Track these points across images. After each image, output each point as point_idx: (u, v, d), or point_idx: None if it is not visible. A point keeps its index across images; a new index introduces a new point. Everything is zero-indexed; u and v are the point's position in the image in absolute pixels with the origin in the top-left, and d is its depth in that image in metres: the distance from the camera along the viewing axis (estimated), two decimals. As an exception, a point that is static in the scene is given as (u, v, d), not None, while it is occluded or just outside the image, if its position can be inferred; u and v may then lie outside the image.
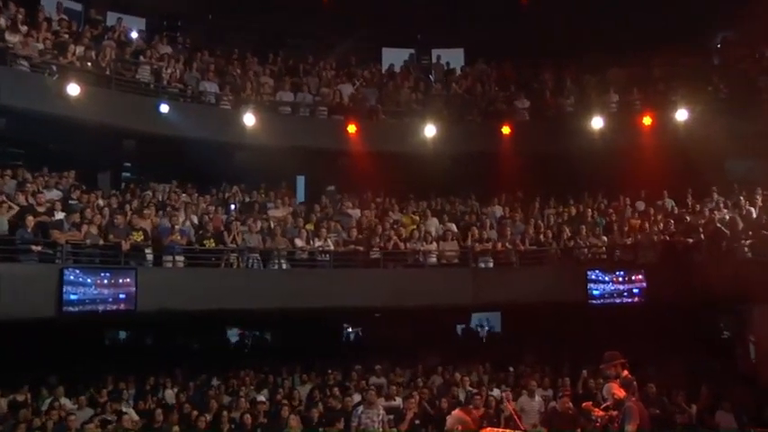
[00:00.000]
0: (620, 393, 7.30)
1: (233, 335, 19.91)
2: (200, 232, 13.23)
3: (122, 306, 11.31)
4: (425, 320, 16.22)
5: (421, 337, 16.28)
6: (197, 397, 12.30)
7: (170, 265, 12.47)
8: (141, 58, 14.88)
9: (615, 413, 7.49)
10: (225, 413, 10.66)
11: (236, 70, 16.67)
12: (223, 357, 15.65)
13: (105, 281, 11.12)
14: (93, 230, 11.67)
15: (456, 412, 5.42)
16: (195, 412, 10.68)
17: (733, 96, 15.26)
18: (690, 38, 16.92)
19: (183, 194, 14.77)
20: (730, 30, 18.06)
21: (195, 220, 13.88)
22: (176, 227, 12.65)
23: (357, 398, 11.61)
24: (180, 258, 12.54)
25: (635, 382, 8.05)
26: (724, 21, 17.31)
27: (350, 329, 20.77)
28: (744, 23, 16.00)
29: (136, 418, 10.66)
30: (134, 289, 11.38)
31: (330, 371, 13.42)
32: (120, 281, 11.25)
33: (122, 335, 19.54)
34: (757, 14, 14.68)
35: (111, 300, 11.18)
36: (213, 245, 12.87)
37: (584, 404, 8.69)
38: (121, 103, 13.89)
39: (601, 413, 7.83)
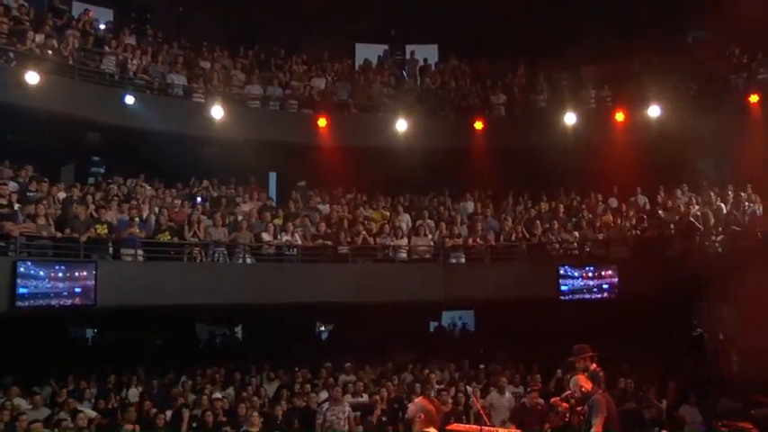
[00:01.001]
0: (588, 386, 7.18)
1: (203, 333, 19.53)
2: (157, 226, 12.88)
3: (79, 301, 10.92)
4: (397, 318, 16.00)
5: (393, 334, 16.07)
6: (161, 395, 11.99)
7: (130, 258, 12.09)
8: (106, 48, 14.47)
9: (578, 406, 7.38)
10: (185, 411, 10.37)
11: (206, 63, 16.35)
12: (191, 355, 15.34)
13: (60, 274, 10.73)
14: (47, 222, 11.24)
15: (419, 400, 5.15)
16: (154, 410, 10.40)
17: (704, 94, 15.28)
18: (662, 37, 16.94)
19: (148, 187, 14.37)
20: (702, 29, 18.13)
21: (157, 213, 13.51)
22: (135, 219, 12.27)
23: (324, 395, 11.45)
24: (140, 252, 12.16)
25: (602, 374, 7.96)
26: (696, 21, 17.35)
27: (323, 328, 20.55)
28: (715, 23, 16.04)
29: (93, 415, 10.32)
30: (92, 283, 11.00)
31: (299, 369, 13.22)
32: (77, 274, 10.86)
33: (89, 333, 19.11)
34: (728, 14, 14.72)
35: (66, 294, 10.79)
36: (168, 238, 12.50)
37: (552, 399, 8.59)
38: (85, 93, 13.53)
39: (565, 405, 7.73)
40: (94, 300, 11.14)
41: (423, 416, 5.21)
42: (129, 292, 11.85)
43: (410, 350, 14.80)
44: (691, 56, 16.90)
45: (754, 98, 14.47)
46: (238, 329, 19.83)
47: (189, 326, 18.05)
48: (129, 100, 13.86)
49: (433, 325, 19.29)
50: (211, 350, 17.83)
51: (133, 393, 12.11)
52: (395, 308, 14.81)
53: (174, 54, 16.17)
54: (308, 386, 12.06)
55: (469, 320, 20.34)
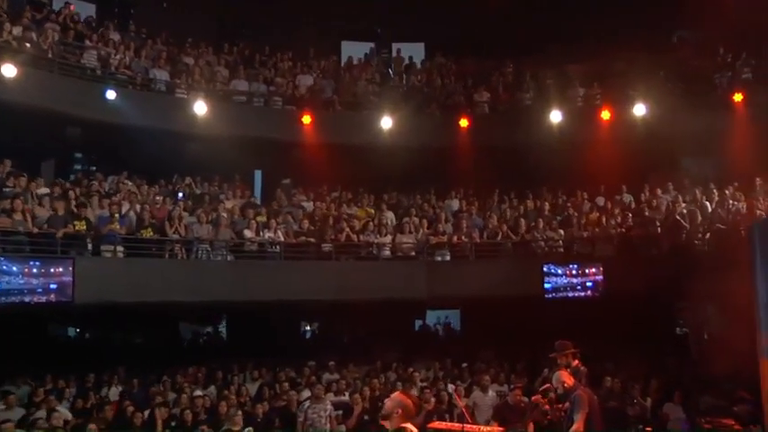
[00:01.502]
0: (570, 381, 7.11)
1: (186, 332, 19.36)
2: (139, 222, 12.69)
3: (55, 297, 10.70)
4: (382, 317, 15.89)
5: (378, 334, 15.97)
6: (140, 395, 11.79)
7: (109, 255, 11.90)
8: (87, 42, 14.26)
9: (560, 402, 7.31)
10: (162, 409, 10.20)
11: (189, 59, 16.17)
12: (174, 354, 15.16)
13: (35, 270, 10.51)
14: (24, 218, 11.03)
15: (396, 395, 5.01)
16: (132, 408, 10.21)
17: (689, 93, 15.28)
18: (648, 36, 16.95)
19: (129, 183, 14.16)
20: (687, 29, 18.19)
21: (140, 209, 13.32)
22: (115, 216, 12.08)
23: (307, 394, 11.32)
24: (120, 248, 11.97)
25: (584, 370, 7.88)
26: (680, 20, 17.40)
27: (308, 327, 20.43)
28: (699, 23, 16.09)
29: (68, 417, 10.12)
30: (69, 279, 10.79)
31: (282, 368, 13.08)
32: (52, 270, 10.65)
33: (72, 332, 18.89)
34: (712, 14, 14.76)
35: (40, 290, 10.57)
36: (151, 234, 12.32)
37: (533, 397, 8.50)
38: (64, 88, 13.32)
39: (548, 406, 7.65)
40: (72, 296, 10.93)
41: (400, 411, 5.07)
42: (109, 289, 11.67)
43: (395, 349, 14.68)
44: (676, 55, 16.92)
45: (738, 97, 14.53)
46: (223, 329, 19.68)
47: (172, 325, 17.88)
48: (111, 95, 13.65)
49: (418, 323, 19.21)
50: (195, 349, 17.67)
51: (113, 393, 11.89)
52: (380, 307, 14.70)
53: (157, 50, 15.98)
54: (287, 385, 11.88)
55: (455, 320, 20.30)
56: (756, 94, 14.45)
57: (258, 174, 18.78)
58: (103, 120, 13.76)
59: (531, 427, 9.50)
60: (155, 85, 14.96)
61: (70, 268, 10.84)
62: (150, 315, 15.34)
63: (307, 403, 10.36)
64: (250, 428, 8.50)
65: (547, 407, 7.57)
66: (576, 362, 7.93)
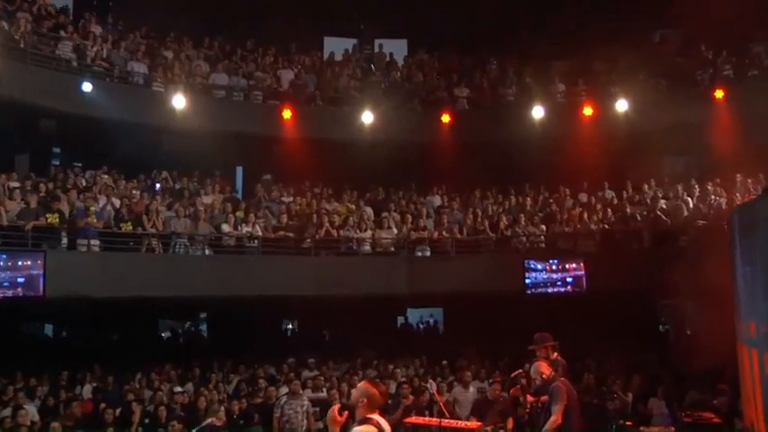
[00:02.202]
0: (548, 372, 6.98)
1: (166, 329, 19.10)
2: (117, 216, 12.45)
3: (22, 291, 10.43)
4: (364, 315, 15.73)
5: (360, 331, 15.80)
6: (115, 392, 11.61)
7: (84, 249, 11.64)
8: (62, 33, 13.98)
9: (539, 394, 7.19)
10: (135, 405, 10.00)
11: (168, 52, 15.93)
12: (152, 352, 14.90)
13: (1, 263, 10.20)
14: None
15: (362, 384, 4.83)
16: (103, 405, 10.01)
17: (671, 90, 15.29)
18: (631, 35, 16.95)
19: (106, 176, 13.88)
20: (669, 27, 18.21)
21: (117, 203, 13.08)
22: (91, 209, 11.82)
23: (285, 390, 11.14)
24: (95, 242, 11.72)
25: (563, 362, 7.77)
26: (662, 19, 17.41)
27: (290, 326, 20.23)
28: (681, 20, 16.12)
29: (36, 418, 9.89)
30: (38, 272, 10.53)
31: (261, 365, 12.90)
32: (20, 263, 10.39)
33: (48, 330, 18.57)
34: (694, 12, 14.79)
35: (7, 284, 10.32)
36: (130, 229, 12.09)
37: (512, 390, 8.37)
38: (38, 79, 13.02)
39: (531, 398, 7.52)
40: (42, 291, 10.66)
41: (366, 400, 4.89)
42: (82, 284, 11.42)
43: (376, 347, 14.52)
44: (658, 52, 16.93)
45: (719, 93, 14.53)
46: (203, 327, 19.45)
47: (150, 322, 17.60)
48: (87, 87, 13.39)
49: (400, 321, 19.09)
50: (174, 347, 17.42)
51: (87, 390, 11.68)
52: (361, 304, 14.56)
53: (136, 42, 15.73)
54: (265, 381, 11.69)
55: (439, 318, 20.20)
56: (737, 90, 14.48)
57: (239, 170, 18.58)
58: (79, 113, 13.53)
59: (510, 422, 9.42)
60: (132, 78, 14.69)
61: (39, 261, 10.56)
62: (128, 312, 15.05)
63: (284, 399, 10.19)
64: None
65: (527, 399, 7.44)
66: (556, 354, 7.83)
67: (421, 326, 20.14)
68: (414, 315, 20.73)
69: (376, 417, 4.98)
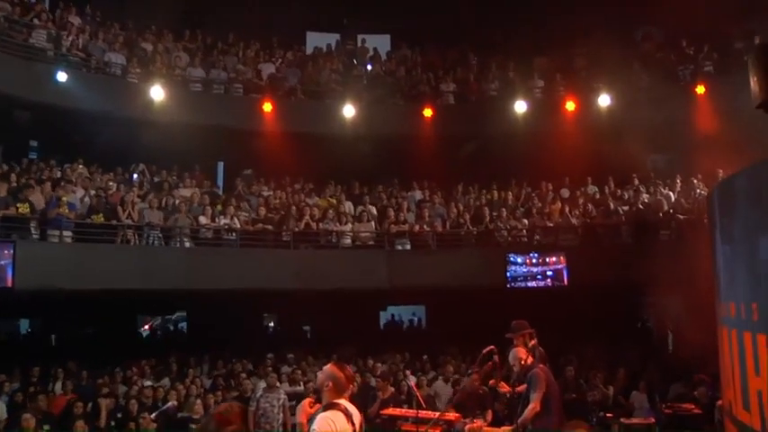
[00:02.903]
0: (527, 359, 6.83)
1: (145, 325, 18.81)
2: (90, 207, 12.18)
3: (-13, 282, 10.11)
4: (346, 311, 15.54)
5: (341, 328, 15.60)
6: (89, 387, 11.39)
7: (56, 240, 11.36)
8: (36, 21, 13.69)
9: (522, 387, 7.04)
10: (103, 401, 9.80)
11: (148, 45, 15.68)
12: (131, 347, 14.63)
13: (-32, 253, 9.93)
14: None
15: (328, 367, 4.62)
16: (73, 399, 9.79)
17: (653, 85, 15.28)
18: (613, 31, 16.93)
19: (81, 167, 13.59)
20: (651, 25, 18.23)
21: (93, 194, 12.80)
22: (63, 199, 11.55)
23: (262, 384, 10.98)
24: (68, 234, 11.44)
25: (542, 351, 7.64)
26: (645, 16, 17.43)
27: (271, 324, 19.99)
28: (663, 16, 16.12)
29: (4, 414, 9.64)
30: (7, 263, 10.25)
31: (240, 359, 12.70)
32: (-12, 254, 10.07)
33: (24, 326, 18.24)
34: (675, 9, 14.80)
35: (-26, 274, 9.99)
36: (102, 220, 11.82)
37: (491, 381, 8.23)
38: (9, 68, 12.69)
39: (507, 388, 7.37)
40: (12, 282, 10.37)
41: (331, 384, 4.66)
42: (54, 275, 11.13)
43: (357, 343, 14.35)
44: (640, 48, 16.93)
45: (700, 89, 14.55)
46: (183, 322, 19.17)
47: (129, 317, 17.30)
48: (62, 77, 13.10)
49: (384, 316, 18.95)
50: (153, 342, 17.17)
51: (60, 386, 11.42)
52: (343, 300, 14.37)
53: (114, 33, 15.47)
54: (243, 375, 11.50)
55: (422, 316, 20.06)
56: (718, 86, 14.49)
57: (221, 166, 18.34)
58: (54, 103, 13.22)
59: (489, 414, 9.28)
60: (110, 69, 14.42)
61: (8, 252, 10.28)
62: (107, 307, 14.76)
63: (260, 392, 10.07)
64: None
65: (504, 389, 7.29)
66: (534, 341, 7.69)
67: (403, 321, 19.98)
68: (397, 313, 20.58)
69: (343, 402, 4.76)
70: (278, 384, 10.30)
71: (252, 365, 12.82)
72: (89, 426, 8.98)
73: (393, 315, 19.48)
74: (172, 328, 19.61)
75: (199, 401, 9.90)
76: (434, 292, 14.33)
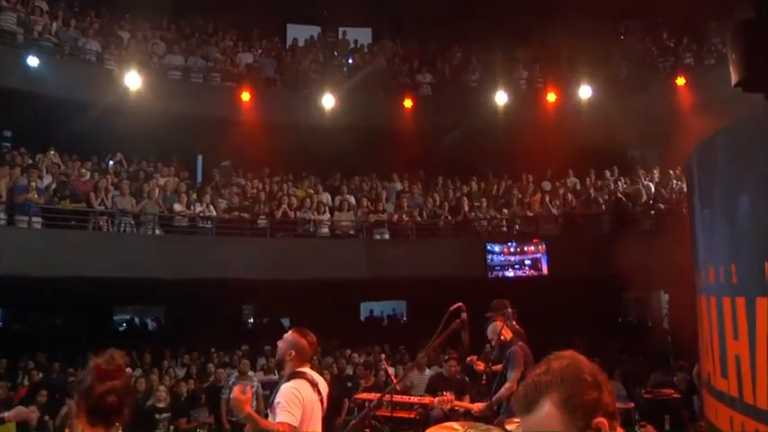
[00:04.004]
0: (507, 335, 6.66)
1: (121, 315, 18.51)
2: (63, 193, 11.86)
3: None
4: (325, 302, 15.30)
5: (321, 321, 15.32)
6: (60, 380, 11.01)
7: (25, 225, 11.03)
8: (4, 2, 13.35)
9: (498, 367, 6.86)
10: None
11: (124, 33, 15.39)
12: (106, 339, 14.29)
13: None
14: None
15: (289, 335, 4.39)
16: (30, 385, 9.53)
17: (634, 77, 15.28)
18: (595, 24, 16.93)
19: (52, 152, 13.25)
20: (633, 19, 18.27)
21: (59, 181, 12.48)
22: (32, 184, 11.23)
23: (236, 374, 10.74)
24: (37, 219, 11.12)
25: (521, 330, 7.47)
26: (627, 10, 17.44)
27: (250, 320, 19.71)
28: (645, 10, 16.15)
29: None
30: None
31: (217, 351, 12.44)
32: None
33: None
34: (656, 2, 14.85)
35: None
36: (68, 205, 11.51)
37: (468, 358, 8.04)
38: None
39: (483, 366, 7.20)
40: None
41: (294, 353, 4.44)
42: (22, 262, 10.77)
43: (339, 336, 14.13)
44: (622, 41, 16.95)
45: (680, 81, 14.58)
46: (159, 314, 18.86)
47: (103, 308, 16.94)
48: (33, 62, 12.77)
49: (365, 309, 18.78)
50: (130, 334, 16.82)
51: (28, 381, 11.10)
52: (323, 293, 14.15)
53: (89, 21, 15.17)
54: (212, 365, 11.25)
55: (402, 311, 19.91)
56: (697, 78, 14.52)
57: (200, 159, 18.07)
58: (24, 89, 12.84)
59: (467, 399, 9.09)
60: (84, 55, 14.11)
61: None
62: (77, 296, 14.41)
63: (232, 379, 9.84)
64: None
65: (480, 366, 7.11)
66: (515, 321, 7.53)
67: (384, 319, 19.77)
68: (377, 308, 20.38)
69: (308, 371, 4.54)
70: (250, 373, 10.07)
71: (228, 358, 12.57)
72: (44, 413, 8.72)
73: (372, 310, 19.26)
74: (149, 318, 19.27)
75: (162, 388, 9.59)
76: (414, 284, 14.13)
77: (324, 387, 4.66)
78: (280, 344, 4.59)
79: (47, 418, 9.61)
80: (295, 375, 4.47)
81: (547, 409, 1.55)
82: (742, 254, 4.46)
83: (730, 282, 4.60)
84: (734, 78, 6.55)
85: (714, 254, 4.89)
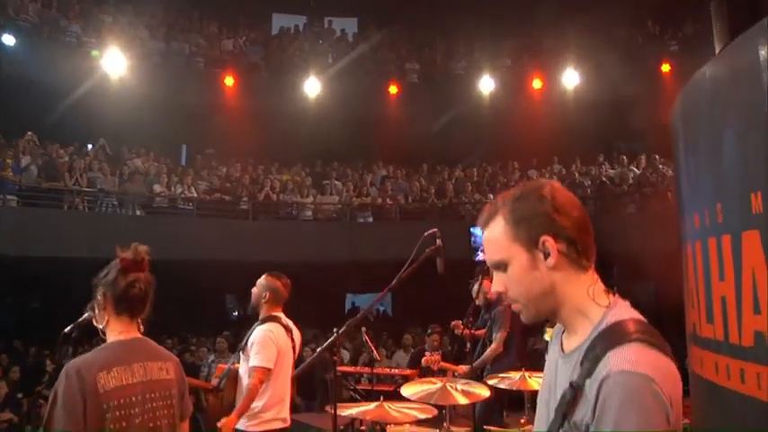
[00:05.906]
0: (493, 295, 6.47)
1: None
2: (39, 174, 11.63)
3: None
4: (310, 293, 15.05)
5: (305, 310, 15.10)
6: (38, 363, 10.93)
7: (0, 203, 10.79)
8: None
9: (482, 332, 6.69)
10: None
11: (107, 17, 15.18)
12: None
13: None
14: None
15: (263, 278, 4.27)
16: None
17: (620, 64, 15.23)
18: (580, 12, 16.92)
19: (29, 133, 12.98)
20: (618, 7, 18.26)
21: (41, 162, 12.23)
22: (8, 161, 10.99)
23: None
24: (12, 197, 10.88)
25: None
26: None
27: (236, 313, 19.41)
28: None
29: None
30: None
31: (198, 338, 12.25)
32: None
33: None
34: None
35: None
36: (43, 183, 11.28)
37: (453, 322, 7.87)
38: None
39: (462, 328, 7.02)
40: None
41: (269, 295, 4.41)
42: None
43: (323, 326, 13.93)
44: (606, 28, 16.93)
45: (665, 68, 14.57)
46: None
47: (83, 291, 16.53)
48: (9, 40, 12.51)
49: (349, 301, 18.62)
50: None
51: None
52: (307, 282, 13.86)
53: (70, 3, 14.93)
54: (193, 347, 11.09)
55: (387, 305, 19.69)
56: (682, 65, 14.49)
57: (184, 148, 17.84)
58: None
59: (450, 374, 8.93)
60: (65, 38, 13.86)
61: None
62: (56, 278, 14.08)
63: (211, 357, 9.65)
64: None
65: (460, 329, 6.93)
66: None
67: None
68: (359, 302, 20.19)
69: (282, 316, 4.47)
70: (226, 350, 9.88)
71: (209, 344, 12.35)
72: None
73: (354, 303, 19.10)
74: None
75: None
76: (398, 269, 13.92)
77: (297, 334, 4.62)
78: (253, 289, 4.52)
79: (20, 395, 9.43)
80: (269, 319, 4.44)
81: (497, 222, 1.53)
82: (727, 191, 4.31)
83: (715, 222, 4.46)
84: (717, 48, 6.49)
85: (698, 199, 4.74)
